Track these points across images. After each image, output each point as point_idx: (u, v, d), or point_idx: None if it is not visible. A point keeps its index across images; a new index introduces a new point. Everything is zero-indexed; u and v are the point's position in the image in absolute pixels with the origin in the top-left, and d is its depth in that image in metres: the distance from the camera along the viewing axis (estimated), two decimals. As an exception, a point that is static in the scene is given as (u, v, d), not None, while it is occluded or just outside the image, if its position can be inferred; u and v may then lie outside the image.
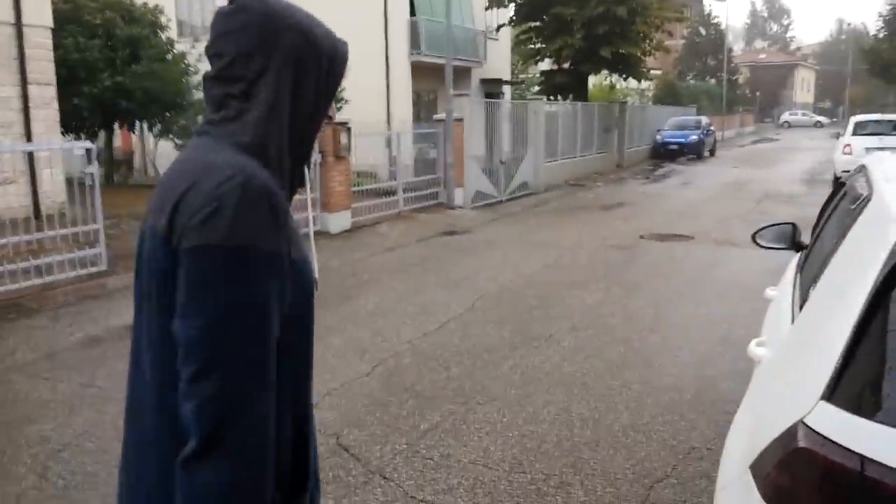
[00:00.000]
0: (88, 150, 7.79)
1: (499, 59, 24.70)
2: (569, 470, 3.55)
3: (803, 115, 64.94)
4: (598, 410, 4.29)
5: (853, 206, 2.19)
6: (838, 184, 3.22)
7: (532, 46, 23.56)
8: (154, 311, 1.19)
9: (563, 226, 11.82)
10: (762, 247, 3.67)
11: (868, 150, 15.53)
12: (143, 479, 1.22)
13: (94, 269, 7.74)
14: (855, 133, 16.59)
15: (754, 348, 2.29)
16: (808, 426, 1.52)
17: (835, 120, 62.32)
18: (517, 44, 24.78)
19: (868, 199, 2.04)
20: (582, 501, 3.25)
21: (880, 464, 1.38)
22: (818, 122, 61.86)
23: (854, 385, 1.50)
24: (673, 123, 27.19)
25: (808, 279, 2.42)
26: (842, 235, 2.09)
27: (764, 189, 15.93)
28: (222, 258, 1.11)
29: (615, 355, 5.33)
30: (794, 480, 1.51)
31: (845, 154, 16.13)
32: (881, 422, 1.42)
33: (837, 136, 24.13)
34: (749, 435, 1.81)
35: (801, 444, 1.50)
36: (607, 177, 19.76)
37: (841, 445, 1.44)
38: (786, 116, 63.89)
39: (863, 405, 1.47)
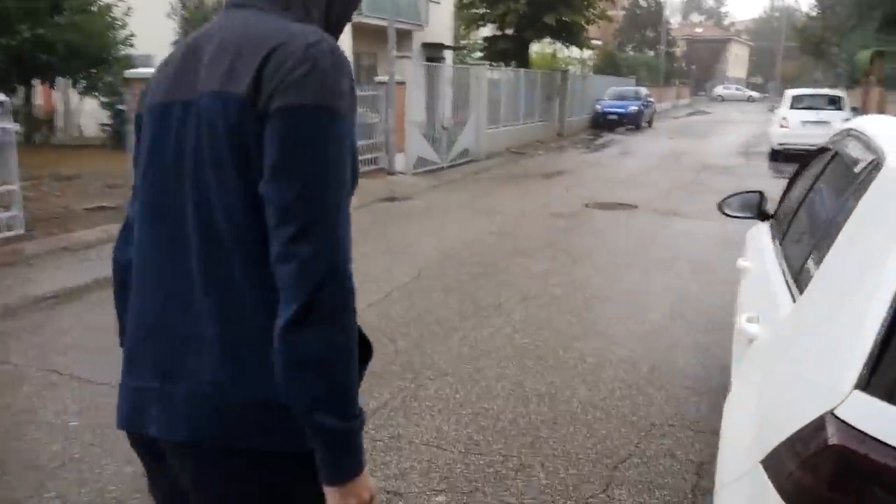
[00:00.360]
0: (2, 103, 7.14)
1: (440, 24, 24.20)
2: (527, 450, 3.35)
3: (736, 89, 66.36)
4: (553, 385, 4.11)
5: (857, 174, 2.00)
6: (817, 150, 3.06)
7: (475, 11, 23.15)
8: (230, 178, 1.15)
9: (505, 193, 11.63)
10: (728, 215, 3.51)
11: (805, 123, 15.87)
12: (224, 353, 1.18)
13: (9, 234, 7.16)
14: (792, 107, 16.84)
15: (746, 325, 2.11)
16: (839, 419, 1.32)
17: (766, 95, 63.89)
18: (460, 8, 24.33)
19: (877, 166, 1.84)
20: (544, 485, 3.06)
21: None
22: (750, 96, 63.33)
23: (894, 372, 1.30)
24: (613, 94, 27.25)
25: (798, 252, 2.24)
26: (846, 206, 1.90)
27: (702, 161, 16.07)
28: (318, 118, 1.11)
29: (566, 326, 5.17)
30: (824, 480, 1.31)
31: (782, 127, 16.38)
32: (929, 415, 1.23)
33: (772, 109, 24.64)
34: (756, 425, 1.62)
35: (834, 440, 1.30)
36: (548, 145, 19.65)
37: (882, 441, 1.25)
38: (719, 90, 65.18)
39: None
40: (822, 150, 2.91)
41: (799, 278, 2.01)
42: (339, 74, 1.15)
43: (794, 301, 1.85)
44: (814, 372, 1.48)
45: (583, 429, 3.59)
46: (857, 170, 2.01)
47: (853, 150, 2.25)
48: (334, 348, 1.10)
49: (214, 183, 1.17)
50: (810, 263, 1.96)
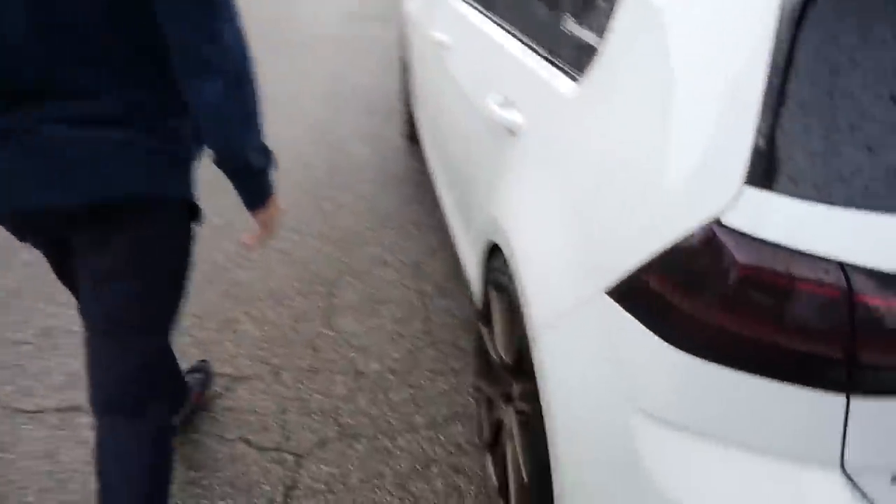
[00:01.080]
0: None
1: None
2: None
3: None
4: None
5: None
6: None
7: None
8: None
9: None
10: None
11: None
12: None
13: None
14: None
15: (500, 111, 1.71)
16: (729, 228, 1.01)
17: None
18: None
19: None
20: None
21: (860, 268, 0.95)
22: None
23: (786, 158, 1.01)
24: None
25: (543, 15, 1.85)
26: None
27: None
28: None
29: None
30: (720, 309, 1.02)
31: None
32: (844, 203, 0.97)
33: None
34: (581, 249, 1.27)
35: (741, 258, 1.00)
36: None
37: (792, 249, 0.97)
38: None
39: (803, 183, 0.99)
40: None
41: (558, 50, 1.64)
42: None
43: (577, 80, 1.49)
44: (668, 168, 1.14)
45: (277, 254, 3.09)
46: None
47: None
48: (257, 102, 1.38)
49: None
50: (573, 26, 1.58)
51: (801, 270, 0.97)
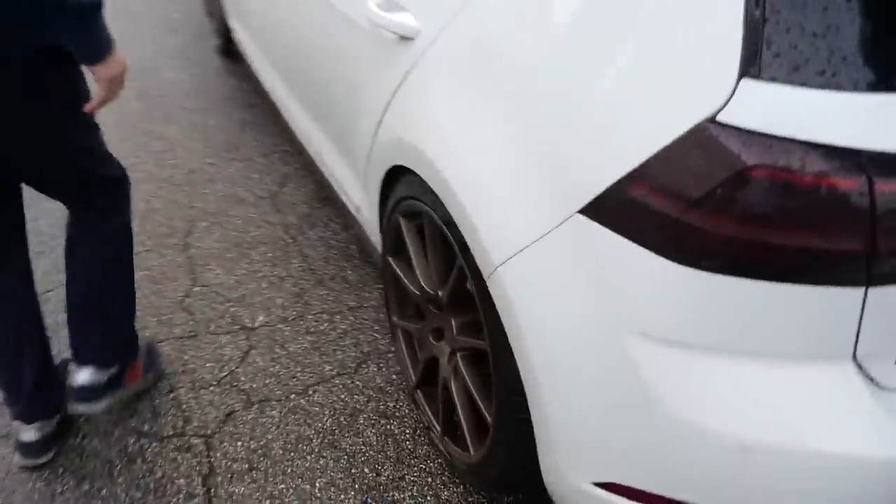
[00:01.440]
0: None
1: None
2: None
3: None
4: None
5: None
6: None
7: None
8: None
9: None
10: None
11: None
12: None
13: None
14: None
15: (384, 15, 1.48)
16: (726, 126, 0.91)
17: None
18: None
19: None
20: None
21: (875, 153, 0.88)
22: None
23: (783, 43, 0.90)
24: None
25: None
26: None
27: None
28: None
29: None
30: (727, 216, 0.93)
31: None
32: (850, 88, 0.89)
33: None
34: (530, 173, 1.13)
35: (747, 158, 0.90)
36: None
37: (802, 141, 0.89)
38: None
39: (805, 70, 0.90)
40: None
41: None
42: None
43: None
44: (646, 67, 1.01)
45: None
46: None
47: None
48: None
49: None
50: None
51: (815, 163, 0.89)
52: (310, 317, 2.18)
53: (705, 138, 0.93)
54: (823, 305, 0.96)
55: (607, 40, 1.04)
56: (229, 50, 3.84)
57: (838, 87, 0.89)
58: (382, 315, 2.19)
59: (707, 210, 0.94)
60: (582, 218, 1.07)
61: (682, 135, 0.95)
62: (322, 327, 2.14)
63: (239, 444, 1.77)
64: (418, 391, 1.80)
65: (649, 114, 0.98)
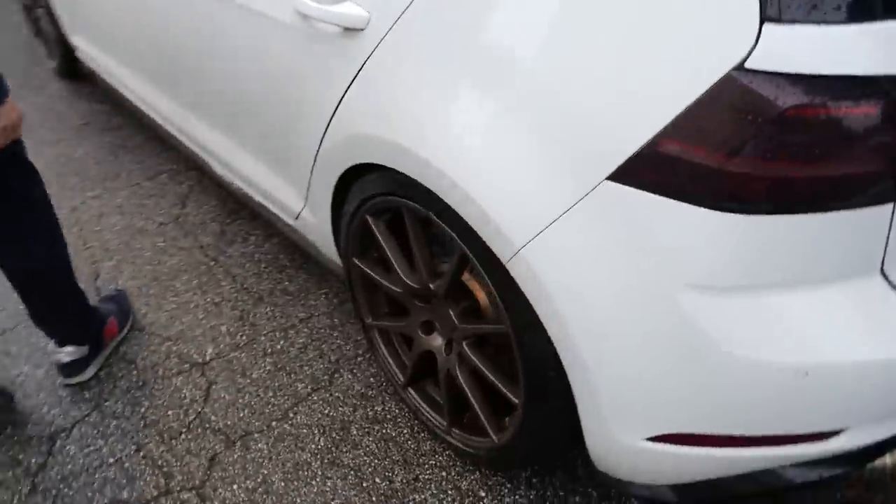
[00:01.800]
0: None
1: None
2: None
3: None
4: None
5: None
6: None
7: None
8: None
9: None
10: None
11: None
12: None
13: None
14: None
15: (323, 8, 1.40)
16: (756, 71, 0.94)
17: None
18: None
19: None
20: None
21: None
22: None
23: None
24: None
25: None
26: None
27: None
28: None
29: None
30: (766, 159, 0.97)
31: None
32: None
33: None
34: (541, 149, 1.12)
35: (782, 101, 0.93)
36: None
37: (840, 76, 0.93)
38: None
39: (825, 6, 0.94)
40: None
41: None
42: None
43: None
44: (665, 21, 1.01)
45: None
46: None
47: None
48: None
49: None
50: None
51: (843, 95, 0.94)
52: (262, 338, 2.06)
53: (737, 86, 0.95)
54: (857, 226, 1.02)
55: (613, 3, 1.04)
56: (72, 70, 3.51)
57: (854, 19, 0.94)
58: (338, 320, 2.10)
59: (749, 156, 0.97)
60: (612, 184, 1.07)
61: (713, 85, 0.96)
62: (279, 346, 2.03)
63: (234, 487, 1.66)
64: (409, 389, 1.75)
65: (674, 70, 0.99)
